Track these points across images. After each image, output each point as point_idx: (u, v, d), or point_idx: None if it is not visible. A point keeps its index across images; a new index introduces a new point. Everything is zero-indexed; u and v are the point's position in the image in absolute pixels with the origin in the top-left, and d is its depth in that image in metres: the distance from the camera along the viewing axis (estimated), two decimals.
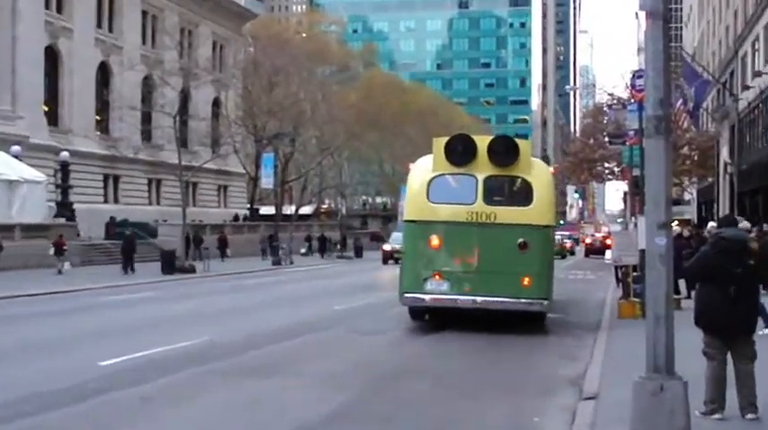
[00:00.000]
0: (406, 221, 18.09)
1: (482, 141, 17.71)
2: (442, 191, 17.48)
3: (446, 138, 17.86)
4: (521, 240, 16.91)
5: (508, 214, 17.11)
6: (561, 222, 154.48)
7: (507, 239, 16.91)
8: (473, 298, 17.13)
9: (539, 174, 17.79)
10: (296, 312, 21.97)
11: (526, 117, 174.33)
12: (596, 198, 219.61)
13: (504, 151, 17.44)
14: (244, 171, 74.28)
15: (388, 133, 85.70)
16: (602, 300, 25.57)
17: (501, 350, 15.49)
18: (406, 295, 17.62)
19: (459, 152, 17.45)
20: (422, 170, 18.14)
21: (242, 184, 77.98)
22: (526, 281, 16.94)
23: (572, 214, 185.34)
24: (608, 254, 27.26)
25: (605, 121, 56.05)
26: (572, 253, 70.84)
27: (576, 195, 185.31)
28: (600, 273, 39.58)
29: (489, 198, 17.27)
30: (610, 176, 61.62)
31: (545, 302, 17.25)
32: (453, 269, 17.26)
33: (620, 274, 25.47)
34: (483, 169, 17.34)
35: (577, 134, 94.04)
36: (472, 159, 17.39)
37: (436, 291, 17.28)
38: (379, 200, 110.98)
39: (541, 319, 18.35)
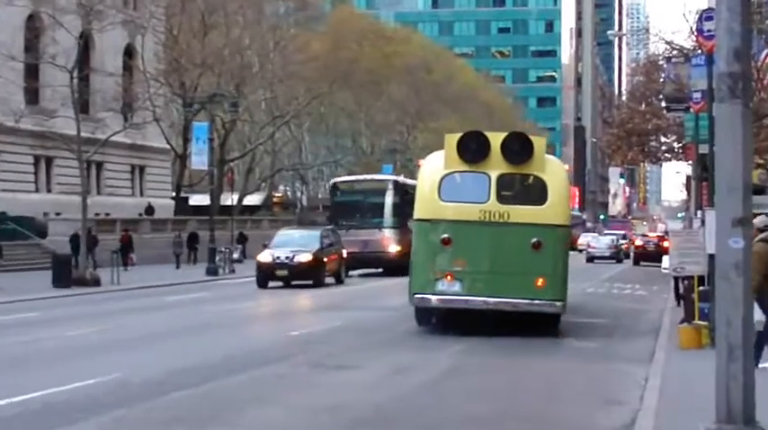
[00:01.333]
0: (416, 220, 22.45)
1: (495, 138, 21.84)
2: (454, 189, 21.87)
3: (458, 135, 22.17)
4: (534, 240, 21.21)
5: (522, 213, 21.40)
6: (602, 217, 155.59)
7: (521, 239, 21.25)
8: (485, 299, 21.49)
9: (553, 171, 22.31)
10: (237, 340, 22.04)
11: (554, 73, 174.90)
12: (649, 185, 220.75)
13: (519, 148, 21.66)
14: (167, 146, 74.07)
15: (365, 95, 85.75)
16: (656, 323, 25.70)
17: (520, 390, 15.57)
18: (417, 296, 21.96)
19: (472, 149, 21.61)
20: (433, 167, 22.71)
21: (165, 165, 77.78)
22: (540, 282, 21.21)
23: (616, 206, 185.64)
24: (665, 260, 27.37)
25: (662, 80, 56.15)
26: (627, 255, 75.22)
27: (622, 181, 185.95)
28: (653, 288, 39.73)
29: (502, 196, 21.59)
30: (668, 155, 61.77)
31: (558, 304, 21.52)
32: (465, 269, 21.51)
33: (681, 289, 25.56)
34: (496, 167, 21.57)
35: (624, 97, 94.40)
36: (485, 157, 21.58)
37: (448, 292, 21.59)
38: None
39: (555, 324, 22.50)
